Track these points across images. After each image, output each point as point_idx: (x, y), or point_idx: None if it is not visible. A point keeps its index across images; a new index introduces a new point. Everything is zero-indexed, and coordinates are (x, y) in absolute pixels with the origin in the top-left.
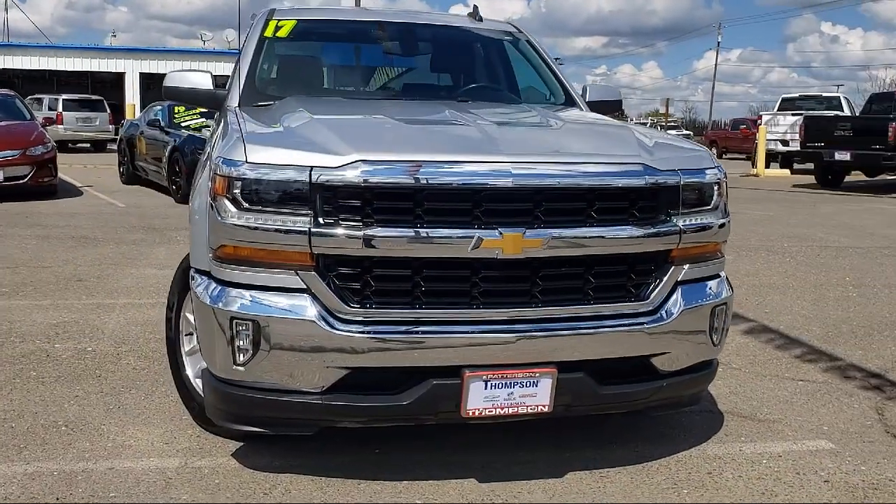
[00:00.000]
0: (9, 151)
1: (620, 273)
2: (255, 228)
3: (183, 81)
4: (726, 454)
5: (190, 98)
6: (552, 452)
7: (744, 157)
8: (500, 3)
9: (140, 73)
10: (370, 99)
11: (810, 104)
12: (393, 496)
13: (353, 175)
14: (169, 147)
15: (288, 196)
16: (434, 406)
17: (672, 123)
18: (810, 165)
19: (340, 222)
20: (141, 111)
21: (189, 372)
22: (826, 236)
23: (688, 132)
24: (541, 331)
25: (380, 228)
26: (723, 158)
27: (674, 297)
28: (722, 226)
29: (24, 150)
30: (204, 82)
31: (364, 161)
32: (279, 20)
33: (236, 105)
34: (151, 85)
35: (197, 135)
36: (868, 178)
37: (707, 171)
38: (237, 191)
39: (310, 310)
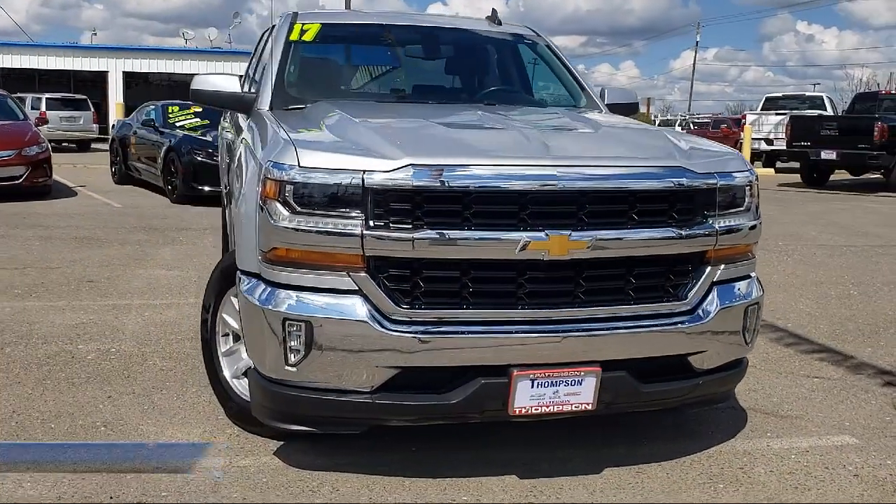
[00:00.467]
0: (4, 152)
1: (660, 274)
2: (308, 231)
3: (210, 85)
4: (755, 449)
5: (217, 101)
6: (587, 449)
7: None
8: (479, 2)
9: (123, 72)
10: (398, 102)
11: (794, 103)
12: (439, 493)
13: (404, 178)
14: (164, 147)
15: (340, 199)
16: (481, 405)
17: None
18: (794, 164)
19: (391, 225)
20: (125, 110)
21: (226, 373)
22: (819, 235)
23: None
24: (585, 330)
25: (430, 231)
26: None
27: (710, 296)
28: (754, 227)
29: (20, 151)
30: (231, 85)
31: (414, 165)
32: (303, 24)
33: (267, 108)
34: (133, 84)
35: (192, 135)
36: (853, 177)
37: (741, 174)
38: (289, 194)
39: (361, 311)
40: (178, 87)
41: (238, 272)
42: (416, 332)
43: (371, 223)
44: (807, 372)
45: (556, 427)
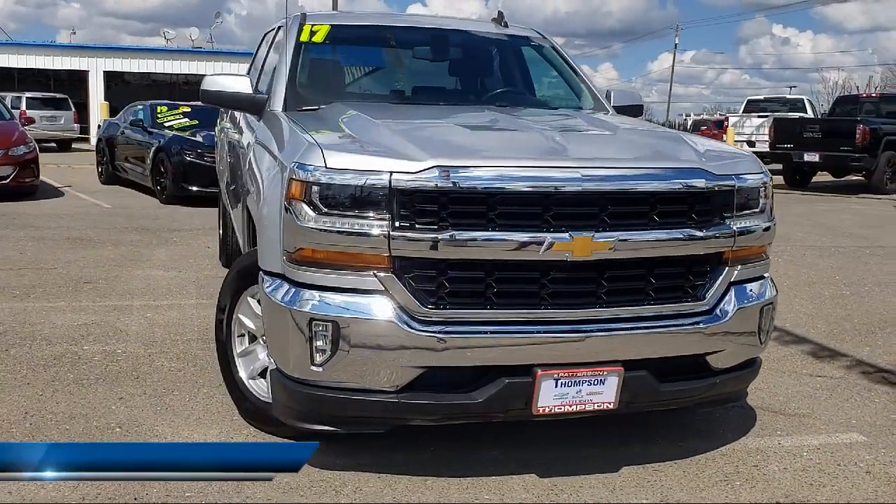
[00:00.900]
0: None
1: (679, 274)
2: (334, 231)
3: (222, 86)
4: (767, 447)
5: (229, 102)
6: (603, 448)
7: None
8: (458, 3)
9: (104, 72)
10: (411, 104)
11: (775, 106)
12: (461, 492)
13: (430, 180)
14: (153, 147)
15: (366, 200)
16: (505, 404)
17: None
18: (777, 166)
19: (417, 226)
20: (108, 110)
21: (242, 374)
22: (806, 236)
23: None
24: (607, 330)
25: (455, 232)
26: None
27: (727, 297)
28: (768, 228)
29: (7, 151)
30: (242, 86)
31: (440, 167)
32: (313, 25)
33: (281, 110)
34: (113, 83)
35: (182, 135)
36: (834, 179)
37: (756, 175)
38: (315, 195)
39: (388, 311)
40: (157, 86)
41: (261, 272)
42: (441, 332)
43: (397, 224)
44: (809, 371)
45: (572, 426)
